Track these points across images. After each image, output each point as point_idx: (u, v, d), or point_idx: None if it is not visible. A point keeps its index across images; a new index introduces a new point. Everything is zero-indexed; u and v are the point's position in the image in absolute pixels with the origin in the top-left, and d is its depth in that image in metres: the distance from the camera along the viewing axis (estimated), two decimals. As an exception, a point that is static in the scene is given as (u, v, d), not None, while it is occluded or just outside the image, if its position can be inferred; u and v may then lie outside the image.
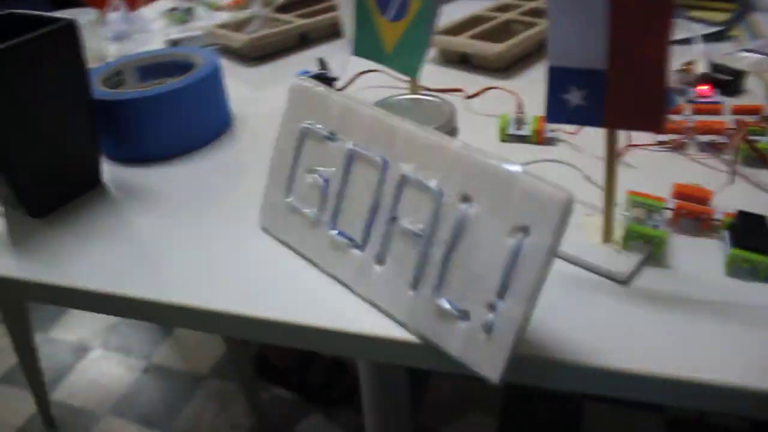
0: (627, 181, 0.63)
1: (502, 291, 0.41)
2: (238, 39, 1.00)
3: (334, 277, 0.52)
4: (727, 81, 0.79)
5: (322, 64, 0.81)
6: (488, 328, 0.42)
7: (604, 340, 0.46)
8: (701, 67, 0.80)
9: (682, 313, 0.48)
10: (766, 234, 0.53)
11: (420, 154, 0.46)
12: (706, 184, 0.61)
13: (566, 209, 0.39)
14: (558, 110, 0.49)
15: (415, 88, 0.62)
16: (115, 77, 0.79)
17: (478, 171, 0.43)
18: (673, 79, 0.81)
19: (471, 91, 0.81)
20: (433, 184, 0.45)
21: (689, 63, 0.82)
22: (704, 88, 0.76)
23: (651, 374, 0.44)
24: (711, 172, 0.64)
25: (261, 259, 0.56)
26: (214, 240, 0.59)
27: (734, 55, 0.87)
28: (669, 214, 0.58)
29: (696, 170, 0.65)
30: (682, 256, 0.55)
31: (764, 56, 0.86)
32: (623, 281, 0.51)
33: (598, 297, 0.50)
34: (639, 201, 0.57)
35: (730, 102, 0.74)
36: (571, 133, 0.72)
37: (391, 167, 0.48)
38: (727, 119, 0.70)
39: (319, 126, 0.53)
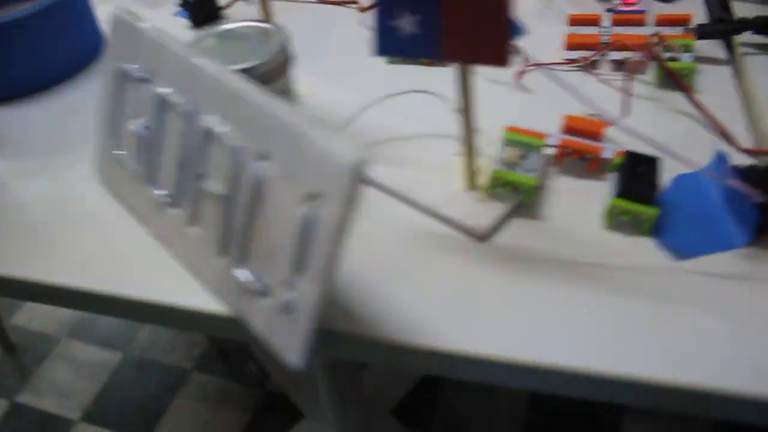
0: (519, 108, 0.56)
1: (298, 267, 0.36)
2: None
3: (156, 239, 0.47)
4: (661, -16, 0.69)
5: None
6: (287, 307, 0.36)
7: (445, 316, 0.40)
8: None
9: (546, 279, 0.42)
10: (652, 179, 0.46)
11: (222, 102, 0.40)
12: (615, 111, 0.53)
13: (356, 175, 0.32)
14: (388, 40, 0.41)
15: (266, 12, 0.53)
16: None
17: (273, 125, 0.36)
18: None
19: (366, 3, 0.71)
20: (234, 138, 0.39)
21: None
22: (631, -6, 0.67)
23: (496, 359, 0.38)
24: (622, 98, 0.56)
25: (95, 218, 0.50)
26: (56, 194, 0.53)
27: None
28: (553, 152, 0.51)
29: (605, 95, 0.57)
30: (562, 204, 0.48)
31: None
32: (481, 237, 0.45)
33: (450, 258, 0.44)
34: (515, 139, 0.50)
35: (658, 11, 0.65)
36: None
37: (197, 117, 0.41)
38: (648, 32, 0.61)
39: (135, 66, 0.46)
